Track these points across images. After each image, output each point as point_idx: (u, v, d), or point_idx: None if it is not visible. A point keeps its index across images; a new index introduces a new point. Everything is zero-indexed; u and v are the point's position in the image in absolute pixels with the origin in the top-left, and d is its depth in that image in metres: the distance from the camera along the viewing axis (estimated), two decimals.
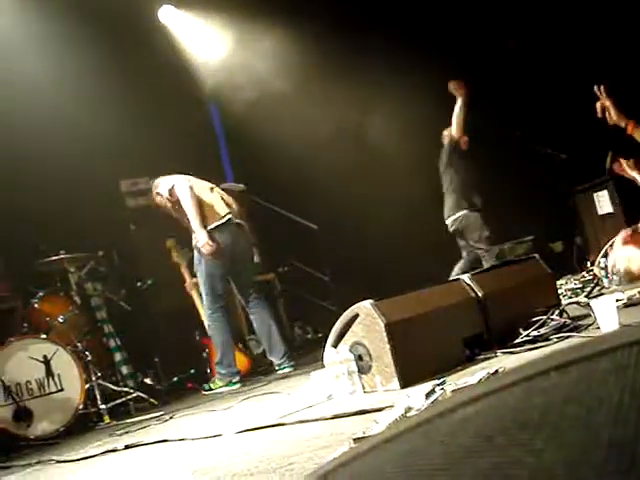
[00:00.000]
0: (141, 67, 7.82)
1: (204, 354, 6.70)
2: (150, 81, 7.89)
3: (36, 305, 6.04)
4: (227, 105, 8.99)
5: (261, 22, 8.13)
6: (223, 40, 8.60)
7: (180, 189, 5.91)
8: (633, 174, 4.37)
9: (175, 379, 7.02)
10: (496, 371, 3.04)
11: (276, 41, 8.16)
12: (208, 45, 8.77)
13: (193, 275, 6.48)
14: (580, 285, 5.42)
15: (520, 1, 7.80)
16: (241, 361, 6.47)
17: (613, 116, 4.24)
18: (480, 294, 4.08)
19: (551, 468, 0.45)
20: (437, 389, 2.93)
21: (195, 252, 5.99)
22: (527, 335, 3.81)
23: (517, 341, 3.80)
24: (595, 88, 4.32)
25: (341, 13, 8.16)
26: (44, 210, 6.75)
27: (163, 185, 6.06)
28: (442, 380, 3.17)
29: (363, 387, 3.72)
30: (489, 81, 8.02)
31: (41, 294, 6.10)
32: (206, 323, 6.16)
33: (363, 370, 3.72)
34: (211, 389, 6.03)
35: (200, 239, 5.86)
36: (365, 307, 3.73)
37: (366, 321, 3.72)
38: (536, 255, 4.98)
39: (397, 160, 8.25)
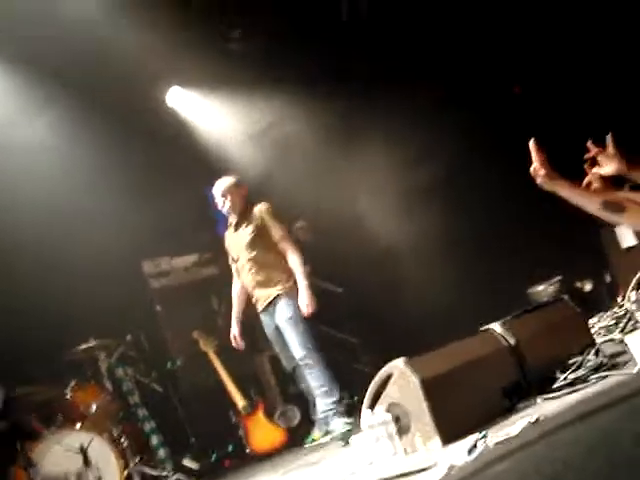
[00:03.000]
0: (152, 149, 7.94)
1: (240, 432, 6.63)
2: (162, 162, 7.99)
3: (68, 395, 6.02)
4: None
5: (270, 95, 8.23)
6: (232, 116, 8.72)
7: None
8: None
9: (213, 457, 6.94)
10: (537, 419, 2.96)
11: (286, 112, 8.25)
12: (217, 122, 8.89)
13: (221, 360, 6.71)
14: (613, 322, 5.33)
15: (524, 46, 7.84)
16: (277, 434, 6.40)
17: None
18: (513, 341, 4.02)
19: None
20: (479, 443, 2.86)
21: (285, 300, 5.89)
22: (565, 378, 3.73)
23: (556, 386, 3.72)
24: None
25: (349, 76, 8.24)
26: (68, 299, 6.78)
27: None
28: (483, 434, 3.11)
29: (404, 448, 3.64)
30: (501, 125, 8.03)
31: (72, 384, 6.09)
32: (302, 362, 5.86)
33: (402, 431, 3.65)
34: (314, 440, 5.81)
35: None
36: (398, 366, 3.68)
37: (400, 380, 3.66)
38: (565, 296, 4.92)
39: (416, 217, 8.23)
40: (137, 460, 5.88)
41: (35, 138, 7.04)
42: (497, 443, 2.70)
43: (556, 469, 0.47)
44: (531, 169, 3.11)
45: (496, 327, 4.14)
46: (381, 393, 3.78)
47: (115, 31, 6.66)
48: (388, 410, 3.69)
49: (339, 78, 8.09)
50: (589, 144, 3.34)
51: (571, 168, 3.14)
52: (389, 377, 3.73)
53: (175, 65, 7.93)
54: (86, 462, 5.41)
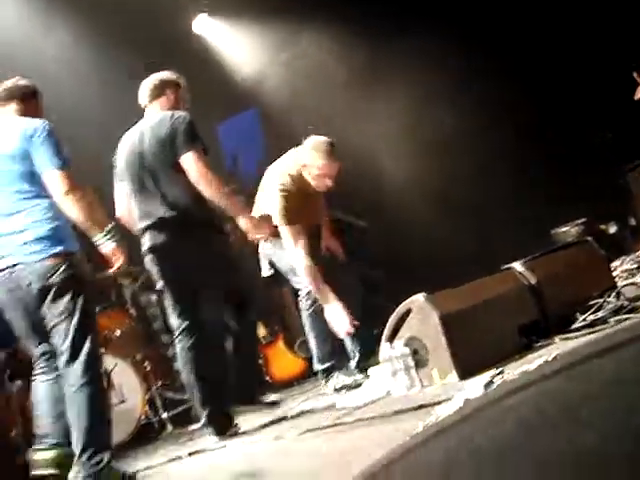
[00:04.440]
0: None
1: (260, 360, 6.73)
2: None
3: None
4: (267, 108, 9.02)
5: (298, 24, 8.12)
6: (260, 44, 8.63)
7: None
8: None
9: None
10: (554, 358, 2.99)
11: (316, 43, 8.15)
12: (245, 50, 8.80)
13: None
14: (635, 265, 5.32)
15: None
16: (297, 363, 6.49)
17: None
18: (534, 281, 4.03)
19: (584, 454, 0.45)
20: (495, 379, 2.90)
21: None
22: (584, 319, 3.75)
23: (575, 326, 3.74)
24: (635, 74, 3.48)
25: (381, 10, 8.07)
26: None
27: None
28: (500, 370, 3.15)
29: (421, 381, 3.69)
30: (530, 63, 7.89)
31: (97, 309, 6.20)
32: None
33: (420, 364, 3.70)
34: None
35: None
36: (418, 301, 3.71)
37: (420, 315, 3.70)
38: (589, 238, 4.90)
39: (442, 156, 8.16)
40: (159, 384, 6.01)
41: (55, 57, 6.99)
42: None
43: (572, 401, 0.48)
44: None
45: (517, 266, 4.15)
46: (400, 327, 3.82)
47: None
48: (406, 344, 3.73)
49: (369, 12, 7.94)
50: (635, 75, 3.38)
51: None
52: (409, 311, 3.76)
53: None
54: (109, 385, 5.53)
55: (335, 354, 4.96)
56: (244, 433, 4.14)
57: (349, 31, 7.94)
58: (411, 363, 3.70)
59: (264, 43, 8.57)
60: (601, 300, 3.88)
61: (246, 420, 4.86)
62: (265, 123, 9.70)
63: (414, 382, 3.69)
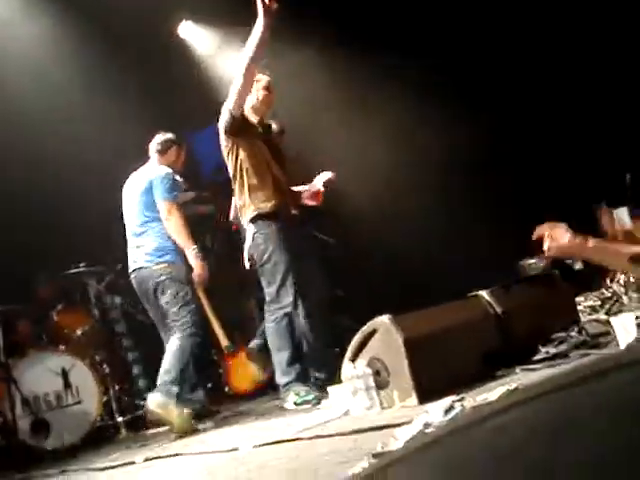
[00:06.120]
0: (161, 83, 7.85)
1: (220, 370, 6.69)
2: (170, 98, 7.91)
3: (55, 318, 6.07)
4: None
5: (287, 41, 8.10)
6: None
7: None
8: None
9: None
10: (515, 388, 3.01)
11: (302, 63, 8.12)
12: (229, 61, 8.76)
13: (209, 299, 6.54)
14: (599, 302, 5.38)
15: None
16: (257, 376, 6.46)
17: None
18: (499, 310, 4.06)
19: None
20: (456, 405, 2.91)
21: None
22: (546, 352, 3.79)
23: (536, 358, 3.78)
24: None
25: (378, 36, 8.07)
26: (65, 222, 6.80)
27: None
28: (461, 396, 3.16)
29: (381, 403, 3.70)
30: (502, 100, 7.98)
31: (60, 307, 6.14)
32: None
33: (381, 386, 3.71)
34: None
35: None
36: (383, 322, 3.72)
37: (384, 336, 3.70)
38: (555, 271, 4.95)
39: (411, 173, 8.20)
40: (117, 388, 5.95)
41: (43, 69, 6.97)
42: (474, 407, 2.75)
43: (526, 435, 0.49)
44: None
45: (484, 294, 4.18)
46: (364, 347, 3.82)
47: None
48: (369, 364, 3.74)
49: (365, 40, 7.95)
50: None
51: None
52: (373, 332, 3.77)
53: None
54: (66, 384, 5.48)
55: (296, 369, 4.93)
56: (202, 442, 4.12)
57: (340, 57, 7.94)
58: (372, 384, 3.70)
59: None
60: (564, 334, 3.92)
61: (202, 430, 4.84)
62: None
63: (374, 403, 3.69)
